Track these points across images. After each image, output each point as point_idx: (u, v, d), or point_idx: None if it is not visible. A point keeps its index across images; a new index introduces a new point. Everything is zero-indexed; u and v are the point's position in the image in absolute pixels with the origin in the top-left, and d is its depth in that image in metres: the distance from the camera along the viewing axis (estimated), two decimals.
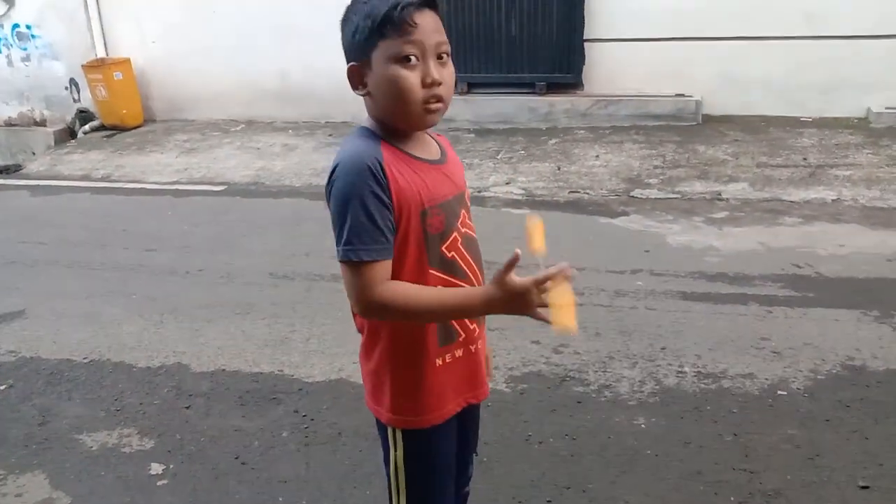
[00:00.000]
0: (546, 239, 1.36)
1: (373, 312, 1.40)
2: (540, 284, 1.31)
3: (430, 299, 1.39)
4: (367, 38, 1.35)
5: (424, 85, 1.36)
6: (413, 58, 1.34)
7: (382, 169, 1.34)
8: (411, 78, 1.35)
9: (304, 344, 3.51)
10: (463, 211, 1.50)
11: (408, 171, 1.39)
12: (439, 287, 1.43)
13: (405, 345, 1.47)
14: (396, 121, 1.42)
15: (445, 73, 1.39)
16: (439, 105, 1.39)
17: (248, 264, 4.50)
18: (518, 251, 1.30)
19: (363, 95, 1.43)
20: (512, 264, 1.31)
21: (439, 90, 1.37)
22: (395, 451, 1.55)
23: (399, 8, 1.32)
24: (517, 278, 1.31)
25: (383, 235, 1.34)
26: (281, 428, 2.88)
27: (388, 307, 1.36)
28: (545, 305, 1.32)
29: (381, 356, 1.50)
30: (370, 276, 1.35)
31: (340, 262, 1.37)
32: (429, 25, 1.35)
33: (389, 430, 1.54)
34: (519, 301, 1.32)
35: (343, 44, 1.42)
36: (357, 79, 1.41)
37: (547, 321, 1.32)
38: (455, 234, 1.46)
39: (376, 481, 2.53)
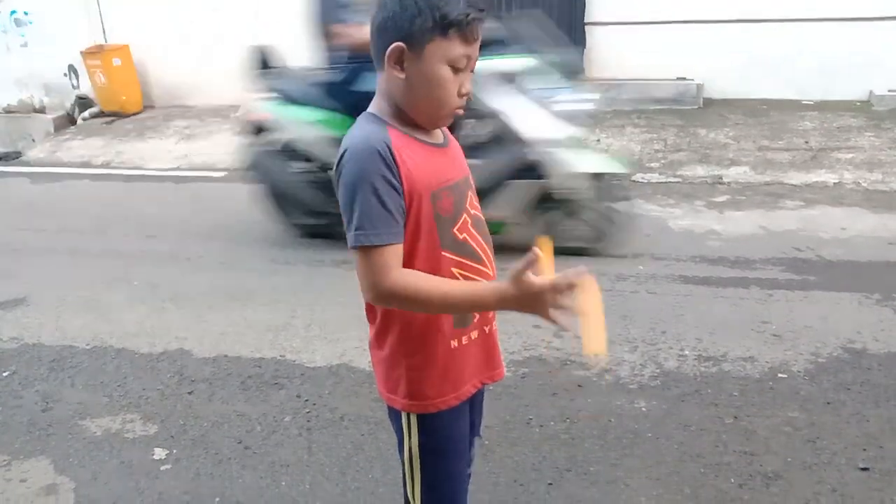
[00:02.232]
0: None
1: (385, 299, 1.39)
2: (557, 288, 1.30)
3: (443, 291, 1.37)
4: (429, 29, 1.32)
5: (459, 94, 1.39)
6: (461, 68, 1.37)
7: (391, 152, 1.34)
8: (453, 86, 1.37)
9: (305, 329, 3.52)
10: (470, 193, 1.51)
11: (416, 155, 1.39)
12: (453, 280, 1.43)
13: (419, 329, 1.46)
14: (418, 115, 1.42)
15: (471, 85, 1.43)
16: (460, 112, 1.44)
17: (248, 250, 4.51)
18: (538, 251, 1.30)
19: (398, 76, 1.37)
20: (530, 264, 1.30)
21: (463, 101, 1.42)
22: (410, 438, 1.54)
23: (469, 17, 1.33)
24: (534, 278, 1.31)
25: (394, 219, 1.34)
26: (283, 413, 2.90)
27: (400, 296, 1.35)
28: (560, 308, 1.32)
29: (395, 342, 1.49)
30: (382, 260, 1.34)
31: (352, 248, 1.36)
32: (479, 40, 1.38)
33: (404, 417, 1.53)
34: (533, 301, 1.32)
35: (387, 16, 1.36)
36: (397, 59, 1.36)
37: (558, 324, 1.33)
38: (465, 215, 1.47)
39: (378, 465, 2.55)
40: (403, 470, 1.60)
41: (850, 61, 6.56)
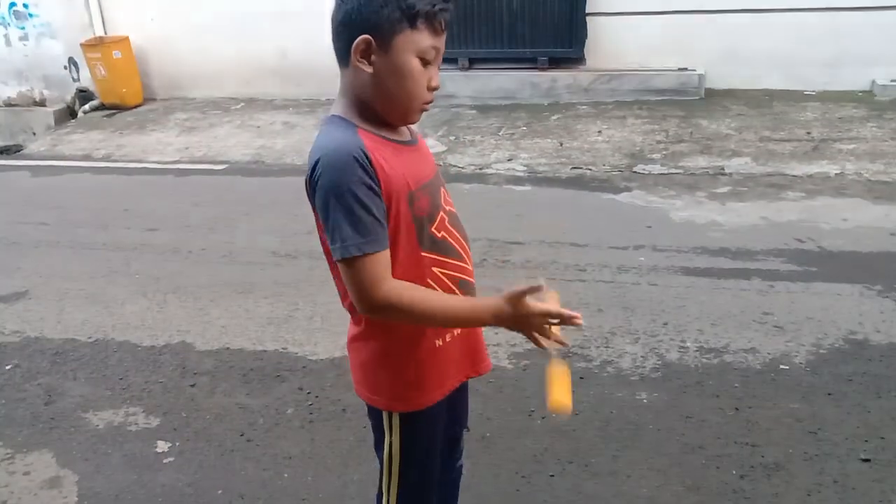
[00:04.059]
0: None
1: (378, 311, 1.35)
2: (551, 316, 1.36)
3: (443, 304, 1.38)
4: (397, 20, 1.29)
5: (428, 88, 1.37)
6: (430, 60, 1.35)
7: (368, 157, 1.30)
8: (422, 79, 1.35)
9: (307, 322, 3.52)
10: (443, 189, 1.49)
11: (390, 156, 1.35)
12: (449, 294, 1.44)
13: (406, 330, 1.45)
14: (387, 111, 1.38)
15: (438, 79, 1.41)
16: (427, 108, 1.41)
17: (250, 243, 4.50)
18: (543, 282, 1.33)
19: (365, 70, 1.33)
20: (533, 291, 1.34)
21: (432, 95, 1.39)
22: (391, 436, 1.53)
23: (437, 7, 1.30)
24: (532, 302, 1.35)
25: (379, 225, 1.30)
26: (285, 405, 2.90)
27: (394, 308, 1.33)
28: (545, 335, 1.40)
29: (381, 343, 1.48)
30: (373, 269, 1.30)
31: (339, 260, 1.31)
32: (445, 31, 1.36)
33: (385, 416, 1.52)
34: (525, 322, 1.38)
35: (351, 9, 1.31)
36: (364, 52, 1.32)
37: (539, 346, 1.42)
38: (441, 213, 1.45)
39: None
40: (381, 467, 1.58)
41: (852, 51, 6.53)
